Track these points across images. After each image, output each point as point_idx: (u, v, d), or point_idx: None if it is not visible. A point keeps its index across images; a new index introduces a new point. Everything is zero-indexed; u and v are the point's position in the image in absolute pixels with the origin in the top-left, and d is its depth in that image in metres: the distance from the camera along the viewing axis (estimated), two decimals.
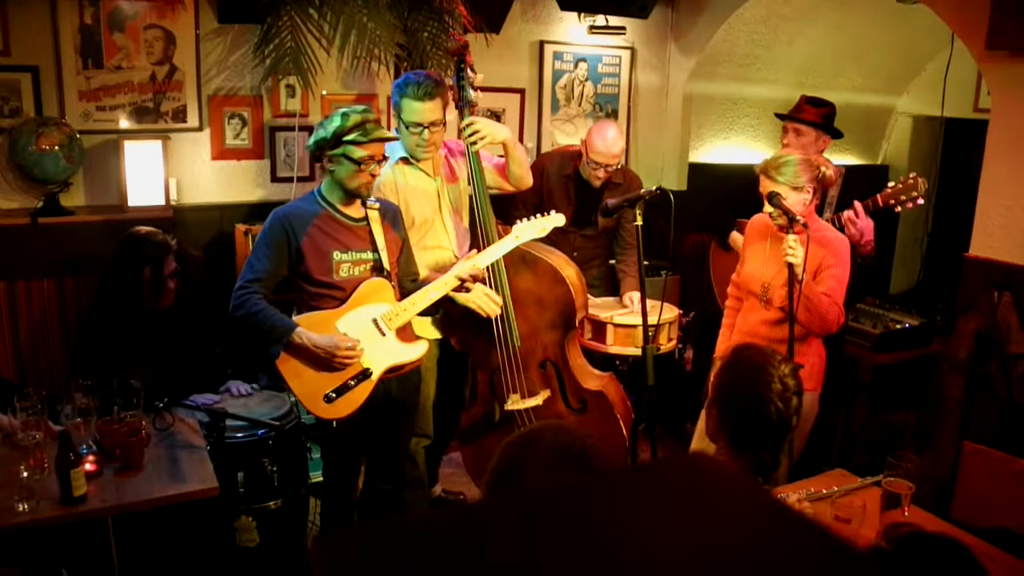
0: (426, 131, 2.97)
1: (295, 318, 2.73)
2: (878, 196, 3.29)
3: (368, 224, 2.81)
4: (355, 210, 2.81)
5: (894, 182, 3.29)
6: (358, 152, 2.66)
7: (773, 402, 1.93)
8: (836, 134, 3.70)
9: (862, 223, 3.28)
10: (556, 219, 2.99)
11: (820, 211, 3.58)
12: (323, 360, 2.69)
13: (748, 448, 1.98)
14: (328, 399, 2.72)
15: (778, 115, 3.85)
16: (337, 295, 2.77)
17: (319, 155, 2.73)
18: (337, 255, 2.74)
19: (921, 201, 3.23)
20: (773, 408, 1.93)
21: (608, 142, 3.61)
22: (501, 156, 3.21)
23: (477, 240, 3.19)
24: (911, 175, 3.27)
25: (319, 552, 0.65)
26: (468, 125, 3.04)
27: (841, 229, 3.22)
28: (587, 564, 0.63)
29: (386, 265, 2.81)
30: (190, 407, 2.76)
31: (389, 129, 3.37)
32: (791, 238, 2.65)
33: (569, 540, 0.66)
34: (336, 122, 2.67)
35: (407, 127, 2.99)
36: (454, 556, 0.64)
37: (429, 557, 0.64)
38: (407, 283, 2.94)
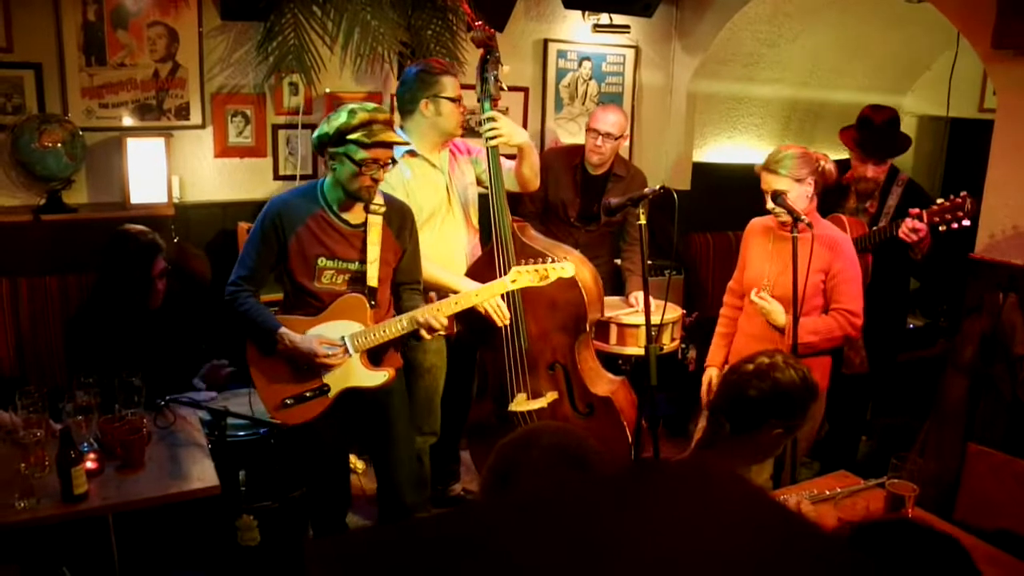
0: (461, 104, 3.08)
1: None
2: (923, 213, 3.18)
3: (365, 231, 2.69)
4: (355, 215, 2.69)
5: (942, 199, 3.17)
6: (360, 153, 2.52)
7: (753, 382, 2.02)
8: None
9: (924, 230, 3.17)
10: (562, 269, 2.83)
11: (876, 220, 3.54)
12: (300, 361, 2.66)
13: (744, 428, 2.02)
14: (284, 405, 2.71)
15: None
16: (314, 303, 2.70)
17: (322, 151, 2.61)
18: (322, 261, 2.66)
19: (967, 223, 3.10)
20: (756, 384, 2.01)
21: (607, 111, 3.71)
22: (512, 157, 3.21)
23: (492, 237, 3.14)
24: (962, 193, 3.13)
25: (316, 556, 0.65)
26: (490, 119, 3.04)
27: (895, 236, 3.21)
28: (587, 566, 0.63)
29: (369, 280, 2.68)
30: (191, 404, 2.76)
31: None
32: (758, 300, 2.85)
33: (568, 542, 0.65)
34: (341, 118, 2.53)
35: (455, 101, 3.05)
36: (452, 559, 0.63)
37: (426, 561, 0.64)
38: (404, 292, 2.85)
